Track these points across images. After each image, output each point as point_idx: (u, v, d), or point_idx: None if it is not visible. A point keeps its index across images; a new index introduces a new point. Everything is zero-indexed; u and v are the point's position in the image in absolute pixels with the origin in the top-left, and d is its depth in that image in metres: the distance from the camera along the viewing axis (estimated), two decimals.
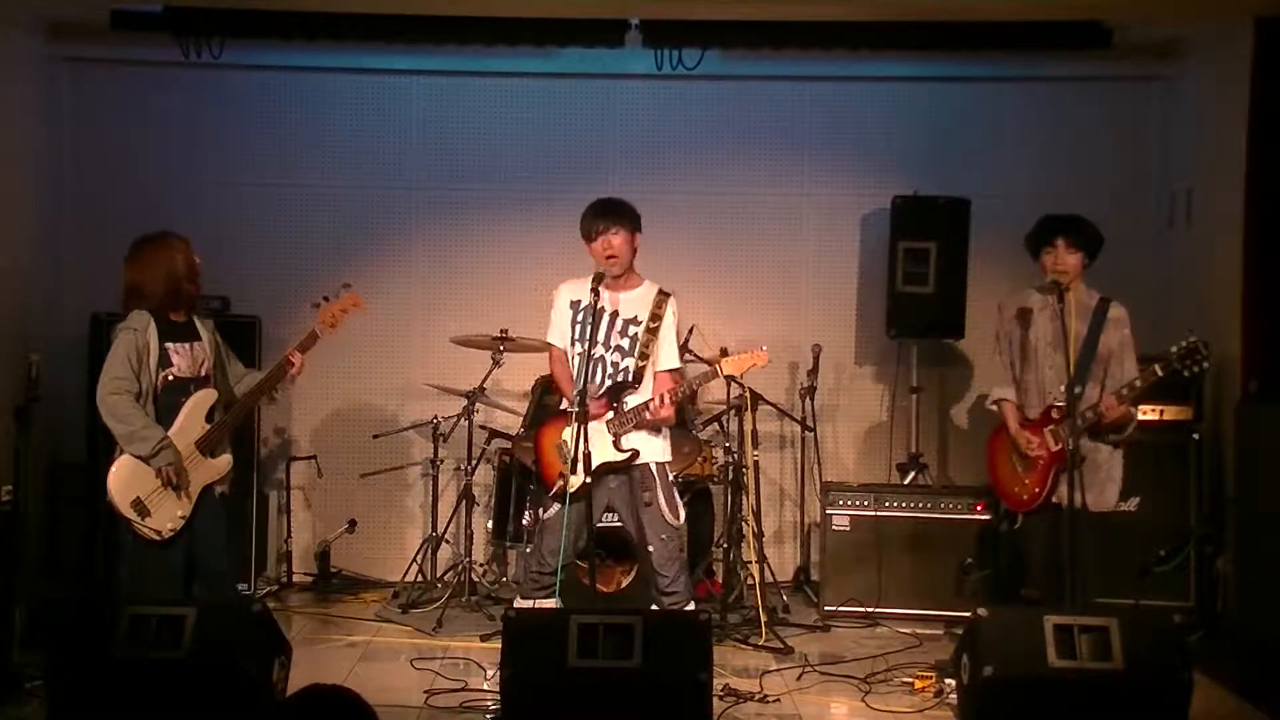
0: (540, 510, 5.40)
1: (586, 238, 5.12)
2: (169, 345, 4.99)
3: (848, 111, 7.19)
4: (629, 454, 5.08)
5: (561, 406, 5.32)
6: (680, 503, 5.27)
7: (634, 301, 5.17)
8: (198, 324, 5.16)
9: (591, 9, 6.55)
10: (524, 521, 6.33)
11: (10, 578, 4.95)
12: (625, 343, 5.12)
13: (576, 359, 5.12)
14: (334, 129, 7.13)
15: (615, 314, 5.12)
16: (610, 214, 5.08)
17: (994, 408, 5.36)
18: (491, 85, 7.16)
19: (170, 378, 4.97)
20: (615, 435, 5.08)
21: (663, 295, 5.19)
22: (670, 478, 5.25)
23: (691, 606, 5.17)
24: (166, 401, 4.97)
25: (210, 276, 6.44)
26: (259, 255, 7.03)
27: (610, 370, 5.12)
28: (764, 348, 5.21)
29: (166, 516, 4.94)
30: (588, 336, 5.07)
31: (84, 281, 6.70)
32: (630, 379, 5.12)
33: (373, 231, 7.14)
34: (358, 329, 6.71)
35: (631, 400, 5.10)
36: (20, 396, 5.20)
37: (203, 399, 5.05)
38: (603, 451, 5.03)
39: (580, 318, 5.13)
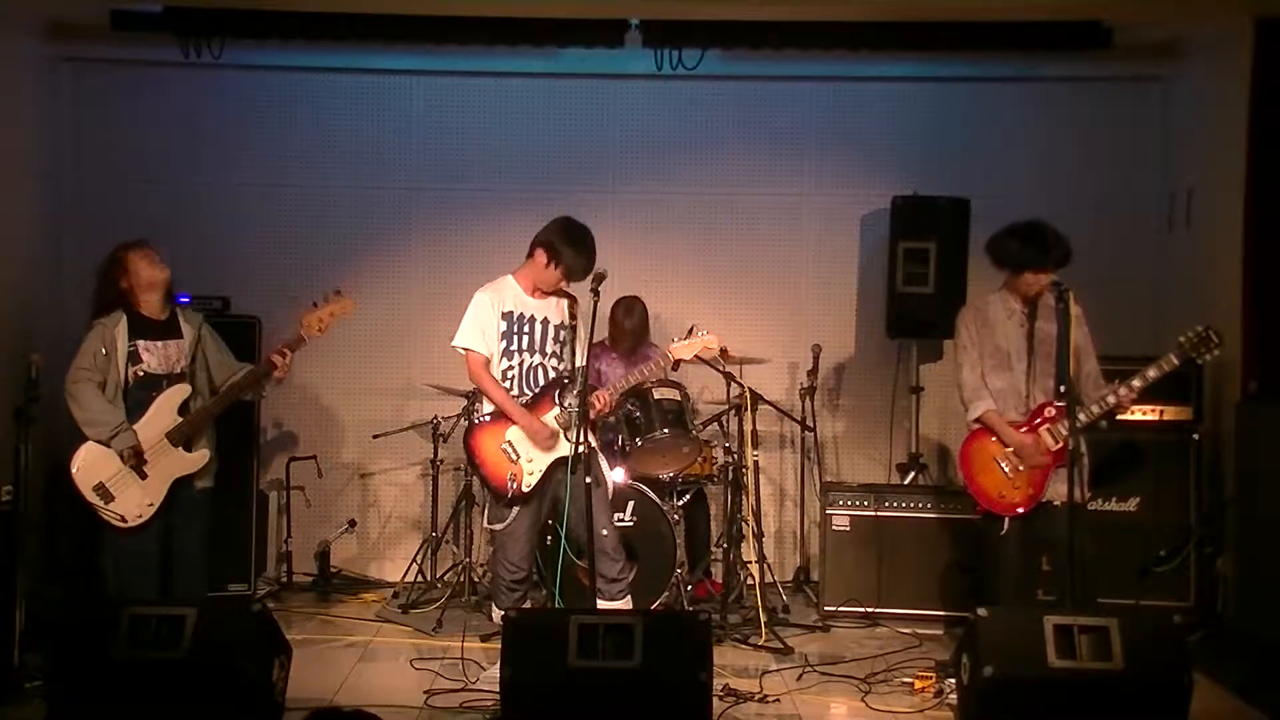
0: (492, 522, 5.44)
1: (573, 273, 5.25)
2: (140, 343, 5.09)
3: (847, 111, 7.18)
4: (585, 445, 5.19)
5: (488, 410, 5.41)
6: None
7: (554, 309, 5.40)
8: (181, 322, 5.19)
9: (591, 9, 6.56)
10: None
11: (10, 578, 4.95)
12: (558, 348, 5.37)
13: (515, 368, 5.34)
14: (334, 129, 7.12)
15: (545, 321, 5.38)
16: (590, 271, 5.20)
17: (976, 425, 5.25)
18: (491, 85, 7.16)
19: (141, 373, 5.06)
20: (563, 428, 5.26)
21: (570, 299, 5.41)
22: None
23: (629, 599, 5.35)
24: (138, 396, 5.08)
25: (210, 276, 6.51)
26: (259, 255, 7.03)
27: (552, 375, 5.38)
28: (706, 332, 5.36)
29: (132, 503, 4.96)
30: (553, 349, 5.34)
31: (84, 281, 6.63)
32: (565, 378, 5.35)
33: (372, 231, 7.13)
34: (357, 329, 6.73)
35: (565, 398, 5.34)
36: (20, 396, 5.18)
37: (175, 394, 5.10)
38: (562, 447, 5.23)
39: (516, 328, 5.34)
